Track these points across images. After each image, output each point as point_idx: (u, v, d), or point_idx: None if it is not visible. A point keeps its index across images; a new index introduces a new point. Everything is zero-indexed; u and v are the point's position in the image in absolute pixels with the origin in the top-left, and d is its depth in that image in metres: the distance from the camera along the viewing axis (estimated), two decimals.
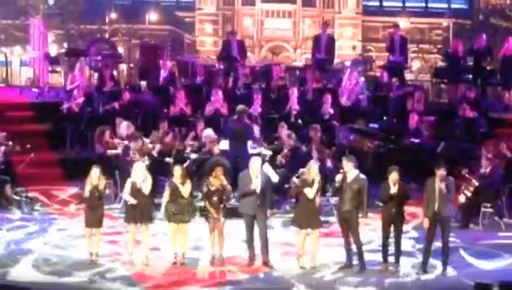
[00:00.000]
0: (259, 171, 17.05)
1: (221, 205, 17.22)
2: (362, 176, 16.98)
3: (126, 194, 17.17)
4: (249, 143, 21.30)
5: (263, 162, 18.18)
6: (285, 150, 21.64)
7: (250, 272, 16.79)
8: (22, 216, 20.47)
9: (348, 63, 28.56)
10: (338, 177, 16.92)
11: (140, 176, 17.09)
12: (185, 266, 16.97)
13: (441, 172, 16.55)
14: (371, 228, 18.64)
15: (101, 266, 16.80)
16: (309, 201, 16.98)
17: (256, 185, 16.81)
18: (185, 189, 17.06)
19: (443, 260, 16.71)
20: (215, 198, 17.09)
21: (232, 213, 17.78)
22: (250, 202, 16.95)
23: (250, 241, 17.16)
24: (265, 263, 17.03)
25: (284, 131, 22.33)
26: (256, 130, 22.47)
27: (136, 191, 16.98)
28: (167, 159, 21.38)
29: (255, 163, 17.19)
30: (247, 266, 17.07)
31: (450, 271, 16.65)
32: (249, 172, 17.04)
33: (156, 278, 16.42)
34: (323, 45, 27.60)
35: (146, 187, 17.01)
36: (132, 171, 17.30)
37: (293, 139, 21.93)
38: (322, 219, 17.70)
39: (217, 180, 17.15)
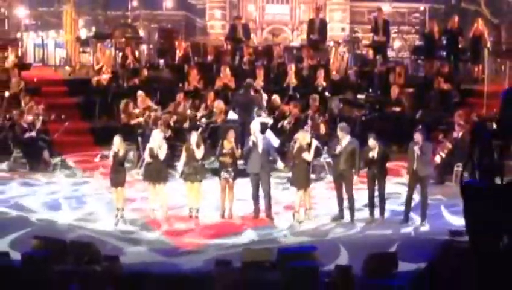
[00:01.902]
0: (257, 131, 17.06)
1: (233, 165, 17.28)
2: (354, 139, 17.03)
3: (146, 156, 17.23)
4: (255, 111, 21.27)
5: (266, 128, 18.16)
6: (290, 118, 21.61)
7: (255, 224, 16.86)
8: (57, 177, 20.53)
9: (331, 44, 28.48)
10: (338, 148, 16.90)
11: (157, 142, 17.13)
12: (198, 219, 17.05)
13: (416, 137, 16.63)
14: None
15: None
16: (305, 163, 17.00)
17: (254, 141, 16.86)
18: (199, 153, 17.09)
19: (422, 212, 16.78)
20: (227, 159, 17.14)
21: (241, 173, 17.82)
22: (254, 162, 16.98)
23: (255, 197, 17.19)
24: (269, 216, 17.10)
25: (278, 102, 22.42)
26: (264, 100, 22.48)
27: (154, 156, 17.05)
28: (184, 125, 21.35)
29: (252, 125, 17.27)
30: (253, 219, 17.12)
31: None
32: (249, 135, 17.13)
33: (171, 227, 16.61)
34: (317, 28, 27.50)
35: (161, 153, 17.01)
36: (150, 138, 17.35)
37: (297, 108, 21.92)
38: (316, 176, 17.77)
39: (229, 143, 17.19)
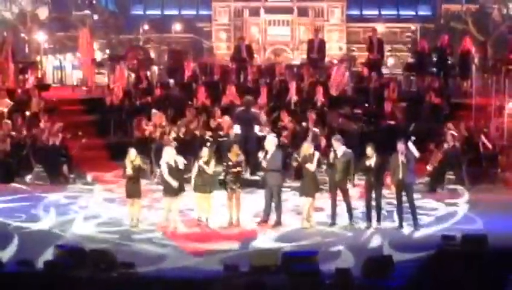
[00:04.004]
0: (272, 146, 17.16)
1: (239, 176, 17.33)
2: (349, 150, 17.06)
3: (166, 175, 17.00)
4: (257, 127, 21.31)
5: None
6: (287, 132, 21.66)
7: (262, 231, 16.87)
8: (75, 190, 20.56)
9: (335, 61, 28.54)
10: (331, 155, 17.02)
11: (172, 157, 17.15)
12: (208, 227, 17.08)
13: (400, 146, 16.65)
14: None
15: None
16: (312, 173, 17.03)
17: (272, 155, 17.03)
18: (209, 167, 17.14)
19: (413, 218, 16.79)
20: (234, 170, 17.19)
21: (247, 183, 17.87)
22: (272, 174, 17.13)
23: (268, 206, 17.29)
24: (278, 222, 17.13)
25: (285, 118, 22.37)
26: (263, 116, 22.44)
27: (173, 170, 17.00)
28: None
29: (269, 141, 17.39)
30: (260, 226, 17.17)
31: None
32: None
33: (183, 235, 16.62)
34: (316, 47, 27.59)
35: (180, 164, 17.05)
36: (164, 154, 17.29)
37: (293, 123, 21.97)
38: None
39: (235, 156, 17.25)
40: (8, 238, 15.88)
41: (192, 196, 17.52)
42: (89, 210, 18.62)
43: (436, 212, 18.16)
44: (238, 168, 17.31)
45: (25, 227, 16.99)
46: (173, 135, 21.12)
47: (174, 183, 16.79)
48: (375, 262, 13.19)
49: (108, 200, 19.54)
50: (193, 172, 17.28)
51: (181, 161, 17.10)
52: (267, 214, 17.29)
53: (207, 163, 17.13)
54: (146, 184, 19.31)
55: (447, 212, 18.07)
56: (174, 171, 16.94)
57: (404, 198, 16.82)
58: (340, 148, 16.96)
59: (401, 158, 16.57)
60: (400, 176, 16.60)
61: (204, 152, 17.34)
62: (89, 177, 21.67)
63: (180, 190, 17.12)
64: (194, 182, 17.25)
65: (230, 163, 17.27)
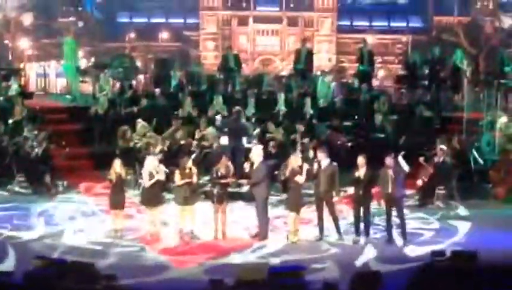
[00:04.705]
0: (258, 158, 17.13)
1: (226, 189, 17.32)
2: (334, 163, 17.08)
3: (145, 181, 17.14)
4: (245, 138, 21.31)
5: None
6: (274, 143, 21.66)
7: (248, 244, 16.88)
8: (58, 200, 20.47)
9: (320, 73, 28.62)
10: (315, 167, 17.03)
11: (152, 167, 17.14)
12: (193, 240, 17.01)
13: (388, 161, 16.69)
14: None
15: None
16: (299, 187, 17.01)
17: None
18: (193, 177, 17.10)
19: (402, 232, 16.80)
20: (222, 181, 17.15)
21: (233, 197, 17.84)
22: (261, 187, 17.05)
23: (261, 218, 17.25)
24: (264, 236, 17.11)
25: (273, 129, 22.38)
26: (251, 127, 22.44)
27: (152, 179, 17.04)
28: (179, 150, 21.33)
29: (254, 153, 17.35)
30: (247, 239, 17.20)
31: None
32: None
33: (167, 247, 16.61)
34: (303, 57, 27.56)
35: (161, 175, 17.07)
36: (145, 164, 17.36)
37: (280, 134, 21.98)
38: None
39: (223, 168, 17.21)
40: None
41: (175, 208, 17.49)
42: (71, 221, 18.56)
43: (427, 227, 18.18)
44: (227, 180, 17.29)
45: (8, 236, 17.03)
46: (159, 147, 21.03)
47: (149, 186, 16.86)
48: (363, 277, 13.16)
49: (90, 210, 19.44)
50: (175, 183, 17.25)
51: (162, 171, 17.11)
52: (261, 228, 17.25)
53: (189, 173, 17.10)
54: (131, 195, 19.29)
55: (437, 228, 18.07)
56: (155, 182, 16.99)
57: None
58: (324, 160, 16.97)
59: (390, 172, 16.59)
60: (389, 190, 16.61)
61: (186, 162, 17.31)
62: (72, 187, 21.56)
63: (159, 201, 17.16)
64: (176, 194, 17.22)
65: (219, 174, 17.23)
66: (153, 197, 17.12)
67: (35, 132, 21.80)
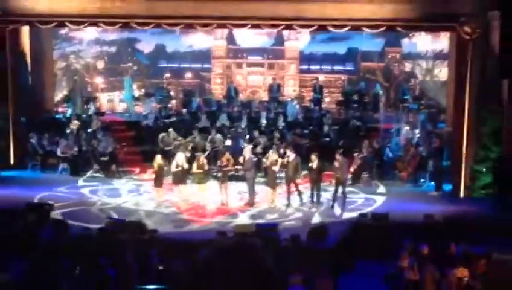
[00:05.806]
0: (248, 154, 17.22)
1: (227, 173, 17.33)
2: (297, 157, 17.17)
3: (173, 168, 17.20)
4: (241, 141, 21.21)
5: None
6: (261, 145, 21.50)
7: (243, 210, 16.76)
8: (121, 183, 20.36)
9: (288, 99, 28.56)
10: (285, 160, 17.10)
11: (181, 160, 17.18)
12: (206, 206, 17.00)
13: (337, 156, 16.80)
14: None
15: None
16: (275, 173, 17.16)
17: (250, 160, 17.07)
18: (204, 167, 17.23)
19: (342, 203, 16.71)
20: (225, 168, 17.19)
21: (232, 178, 17.83)
22: (250, 172, 17.10)
23: (251, 192, 17.19)
24: (252, 203, 17.06)
25: (257, 135, 22.31)
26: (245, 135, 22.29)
27: (179, 167, 17.07)
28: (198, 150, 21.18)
29: (246, 150, 17.42)
30: (242, 206, 17.05)
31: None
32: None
33: (190, 211, 16.52)
34: (275, 89, 27.81)
35: (185, 165, 17.12)
36: (176, 158, 17.45)
37: (263, 139, 21.87)
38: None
39: (226, 159, 17.27)
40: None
41: (194, 186, 17.48)
42: (129, 194, 18.45)
43: (357, 197, 18.10)
44: (228, 168, 17.28)
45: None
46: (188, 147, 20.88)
47: (177, 171, 16.97)
48: (316, 230, 13.20)
49: (142, 188, 19.28)
50: (193, 169, 17.27)
51: (185, 164, 17.18)
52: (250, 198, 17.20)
53: (202, 163, 17.18)
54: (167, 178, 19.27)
55: (364, 199, 18.04)
56: (181, 169, 17.03)
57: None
58: (291, 155, 17.03)
59: (337, 164, 16.61)
60: (338, 174, 16.65)
61: (200, 157, 17.49)
62: (129, 173, 21.43)
63: (183, 181, 17.23)
64: (194, 177, 17.25)
65: (223, 164, 17.24)
66: (179, 179, 17.13)
67: (106, 137, 21.76)
